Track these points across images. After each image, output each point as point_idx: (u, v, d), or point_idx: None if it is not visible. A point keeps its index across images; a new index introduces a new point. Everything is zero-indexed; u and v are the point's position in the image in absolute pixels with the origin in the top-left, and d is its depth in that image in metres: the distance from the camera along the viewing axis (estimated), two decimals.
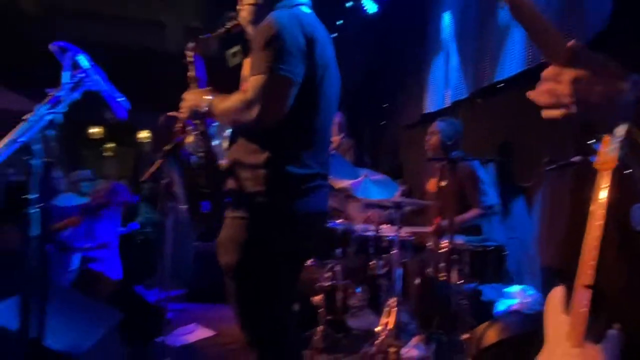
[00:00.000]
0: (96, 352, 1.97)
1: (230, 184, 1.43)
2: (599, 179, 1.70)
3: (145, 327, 2.71)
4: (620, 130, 0.71)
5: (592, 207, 1.67)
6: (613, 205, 1.51)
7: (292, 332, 1.54)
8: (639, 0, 2.06)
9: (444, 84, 4.13)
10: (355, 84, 5.96)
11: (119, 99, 1.46)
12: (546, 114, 0.72)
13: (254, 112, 1.31)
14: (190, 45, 1.59)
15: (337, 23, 5.63)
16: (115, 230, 3.83)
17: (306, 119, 1.40)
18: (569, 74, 0.69)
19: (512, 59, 3.09)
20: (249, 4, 1.51)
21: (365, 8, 5.07)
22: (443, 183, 2.54)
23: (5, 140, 1.11)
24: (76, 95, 1.26)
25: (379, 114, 5.88)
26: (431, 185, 3.20)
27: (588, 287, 1.56)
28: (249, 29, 1.54)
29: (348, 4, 5.28)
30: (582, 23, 2.36)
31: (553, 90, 0.69)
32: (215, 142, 1.54)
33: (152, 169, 3.01)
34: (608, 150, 1.13)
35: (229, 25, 1.56)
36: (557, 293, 1.76)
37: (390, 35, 5.27)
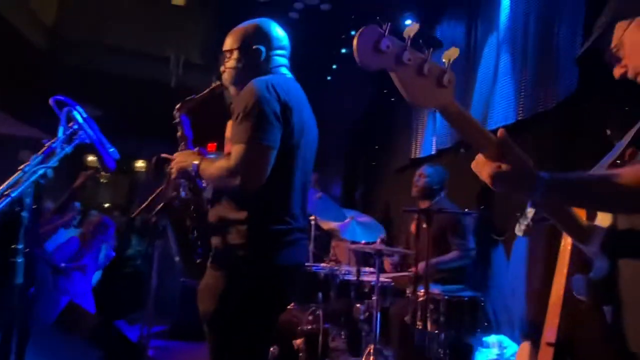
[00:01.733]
0: None
1: (214, 239, 1.53)
2: (565, 239, 1.79)
3: None
4: (529, 212, 0.85)
5: (557, 266, 1.75)
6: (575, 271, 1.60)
7: None
8: (602, 71, 2.23)
9: (432, 131, 4.27)
10: (350, 126, 6.14)
11: (109, 150, 1.55)
12: None
13: (238, 179, 1.41)
14: (177, 106, 1.70)
15: (333, 67, 5.85)
16: (95, 260, 3.89)
17: (284, 180, 1.50)
18: (488, 168, 0.85)
19: (495, 112, 3.23)
20: (230, 68, 1.63)
21: None
22: (424, 227, 2.63)
23: None
24: (69, 149, 1.35)
25: (373, 156, 6.02)
26: (413, 227, 3.28)
27: (550, 344, 1.62)
28: (231, 90, 1.66)
29: (343, 50, 5.50)
30: (555, 88, 2.53)
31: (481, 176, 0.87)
32: (206, 196, 1.63)
33: (144, 205, 3.09)
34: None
35: (212, 86, 1.69)
36: (525, 348, 1.81)
37: (384, 81, 5.46)
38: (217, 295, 1.47)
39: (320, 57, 5.58)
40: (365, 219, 3.73)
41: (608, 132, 1.37)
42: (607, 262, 1.07)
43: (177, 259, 1.59)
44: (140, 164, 10.26)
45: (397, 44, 0.87)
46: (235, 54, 1.62)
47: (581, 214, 1.16)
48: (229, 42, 1.65)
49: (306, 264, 2.71)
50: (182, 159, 1.61)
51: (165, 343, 3.77)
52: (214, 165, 1.49)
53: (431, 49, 0.91)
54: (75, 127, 1.46)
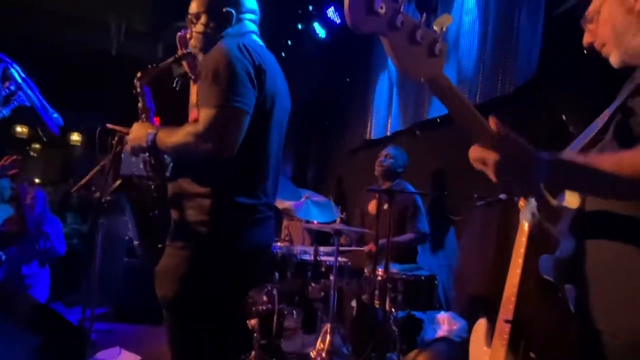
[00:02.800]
0: None
1: (174, 214, 1.40)
2: (522, 218, 1.85)
3: (66, 350, 2.53)
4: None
5: (515, 246, 1.80)
6: (531, 250, 1.65)
7: None
8: (562, 54, 2.30)
9: (386, 113, 4.29)
10: (303, 104, 6.03)
11: (53, 116, 1.39)
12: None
13: (209, 145, 1.29)
14: (138, 75, 1.54)
15: (288, 43, 5.70)
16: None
17: (255, 148, 1.40)
18: (493, 157, 0.81)
19: None
20: (198, 32, 1.51)
21: (316, 32, 5.19)
22: (385, 207, 2.65)
23: None
24: (6, 112, 1.19)
25: (325, 136, 5.98)
26: (372, 206, 3.30)
27: (507, 321, 1.67)
28: (199, 57, 1.53)
29: (300, 26, 5.36)
30: (513, 73, 2.59)
31: (481, 168, 0.83)
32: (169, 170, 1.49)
33: (84, 180, 2.86)
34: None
35: (178, 54, 1.55)
36: (481, 325, 1.86)
37: (339, 60, 5.41)
38: (177, 278, 1.35)
39: (275, 32, 5.41)
40: (320, 198, 3.70)
41: (564, 117, 1.39)
42: (574, 242, 1.09)
43: (136, 243, 1.45)
44: (75, 137, 9.54)
45: (391, 5, 0.80)
46: (203, 18, 1.50)
47: None
48: (195, 6, 1.52)
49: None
50: (137, 129, 1.46)
51: (109, 326, 3.58)
52: (178, 133, 1.35)
53: (424, 14, 0.85)
54: (13, 87, 1.29)
